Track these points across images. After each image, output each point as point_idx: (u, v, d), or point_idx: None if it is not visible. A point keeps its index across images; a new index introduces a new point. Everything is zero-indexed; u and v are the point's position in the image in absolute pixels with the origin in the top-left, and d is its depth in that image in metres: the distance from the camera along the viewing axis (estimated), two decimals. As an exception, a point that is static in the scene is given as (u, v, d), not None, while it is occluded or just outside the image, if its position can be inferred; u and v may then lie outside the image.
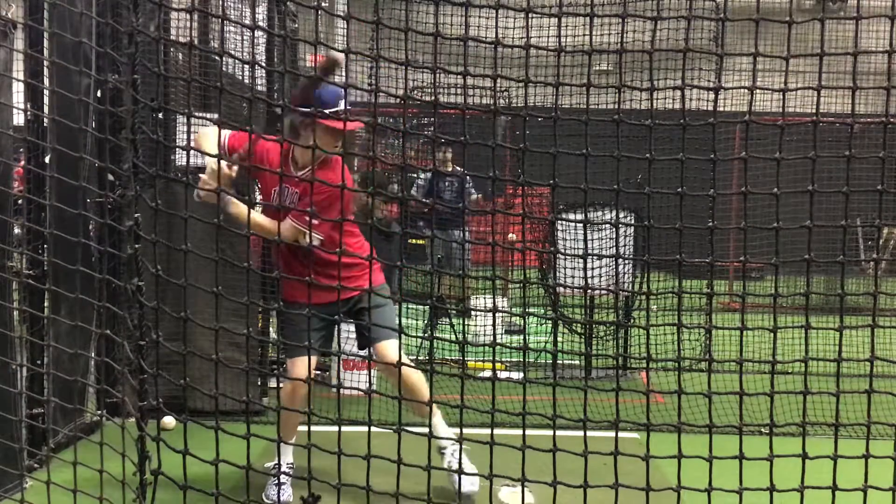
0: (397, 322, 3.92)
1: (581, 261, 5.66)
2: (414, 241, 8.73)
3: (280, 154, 3.57)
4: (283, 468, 3.68)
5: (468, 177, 8.25)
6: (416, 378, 3.72)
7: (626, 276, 6.64)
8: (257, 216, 3.62)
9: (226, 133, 3.56)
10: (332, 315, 3.55)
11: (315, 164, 3.29)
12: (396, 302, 4.47)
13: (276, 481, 3.67)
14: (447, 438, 3.68)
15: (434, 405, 3.75)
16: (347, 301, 3.73)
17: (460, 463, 3.31)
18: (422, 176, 8.62)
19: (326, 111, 3.40)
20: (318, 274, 3.05)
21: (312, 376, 3.04)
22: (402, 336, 3.38)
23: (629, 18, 2.30)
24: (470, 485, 3.67)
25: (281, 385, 4.23)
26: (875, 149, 2.47)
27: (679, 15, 2.44)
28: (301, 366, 3.59)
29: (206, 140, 3.57)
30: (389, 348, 3.67)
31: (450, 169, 8.52)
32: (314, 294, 2.79)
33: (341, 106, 3.45)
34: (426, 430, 2.47)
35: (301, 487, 3.65)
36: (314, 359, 3.67)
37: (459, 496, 3.56)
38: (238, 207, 3.37)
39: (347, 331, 4.40)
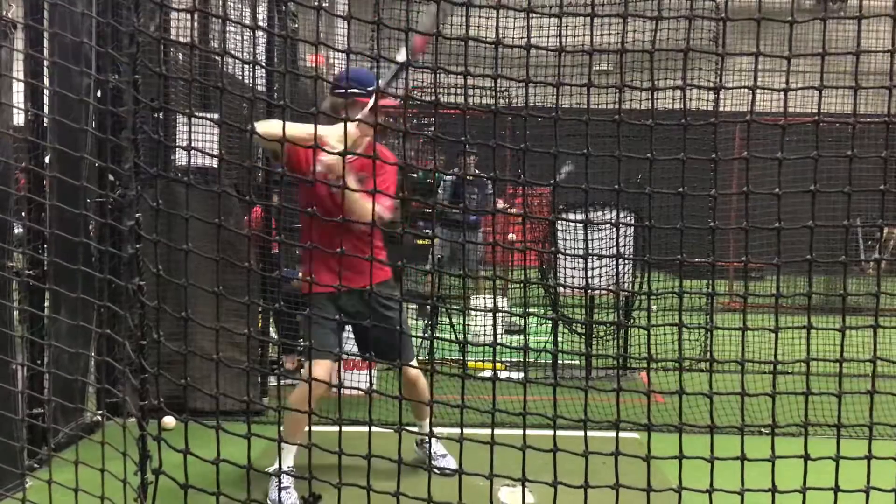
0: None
1: (581, 261, 5.67)
2: (420, 241, 8.74)
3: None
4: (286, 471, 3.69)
5: (490, 184, 8.29)
6: (425, 385, 3.93)
7: (627, 276, 6.64)
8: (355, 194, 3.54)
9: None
10: (348, 309, 3.57)
11: (360, 149, 3.29)
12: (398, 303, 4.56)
13: (279, 484, 3.64)
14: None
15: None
16: (361, 292, 3.73)
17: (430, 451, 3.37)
18: (447, 178, 8.66)
19: (364, 90, 3.47)
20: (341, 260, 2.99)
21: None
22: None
23: (630, 18, 2.30)
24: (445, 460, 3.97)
25: (287, 384, 4.23)
26: (875, 149, 2.47)
27: (680, 15, 2.44)
28: (321, 368, 3.58)
29: (276, 129, 3.02)
30: (413, 366, 3.92)
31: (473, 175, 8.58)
32: (339, 278, 2.77)
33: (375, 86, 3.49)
34: (426, 430, 2.47)
35: (302, 487, 3.65)
36: (331, 361, 3.69)
37: (430, 467, 3.74)
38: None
39: (348, 330, 4.40)
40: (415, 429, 3.93)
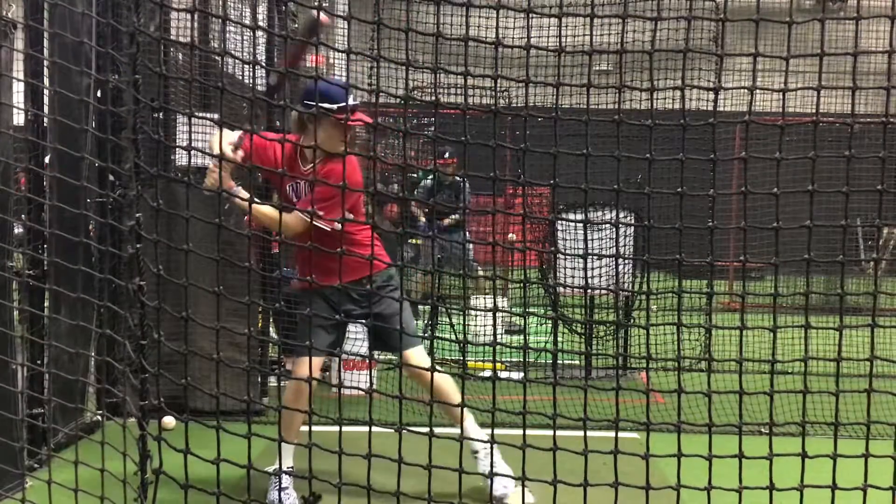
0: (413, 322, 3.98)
1: (581, 261, 5.68)
2: (413, 241, 8.76)
3: (290, 148, 3.58)
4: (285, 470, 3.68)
5: (467, 187, 8.30)
6: (448, 383, 3.75)
7: (627, 276, 6.64)
8: (262, 207, 3.62)
9: (239, 133, 3.54)
10: (343, 304, 3.56)
11: (317, 161, 3.33)
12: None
13: (278, 485, 3.64)
14: (479, 440, 3.54)
15: (466, 409, 3.79)
16: (357, 283, 3.71)
17: (492, 465, 3.22)
18: (424, 183, 8.67)
19: (334, 106, 3.43)
20: (328, 257, 2.88)
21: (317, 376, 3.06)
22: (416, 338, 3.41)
23: (629, 18, 2.31)
24: (503, 488, 3.59)
25: (283, 385, 4.24)
26: (875, 149, 2.47)
27: (679, 15, 2.44)
28: (306, 366, 3.60)
29: (216, 138, 3.51)
30: (417, 355, 3.75)
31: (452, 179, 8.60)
32: (327, 277, 2.79)
33: (348, 101, 3.46)
34: (426, 429, 2.47)
35: (302, 487, 3.66)
36: (320, 359, 3.67)
37: (492, 499, 3.38)
38: (243, 198, 3.37)
39: (350, 331, 4.41)
40: (416, 429, 3.59)
